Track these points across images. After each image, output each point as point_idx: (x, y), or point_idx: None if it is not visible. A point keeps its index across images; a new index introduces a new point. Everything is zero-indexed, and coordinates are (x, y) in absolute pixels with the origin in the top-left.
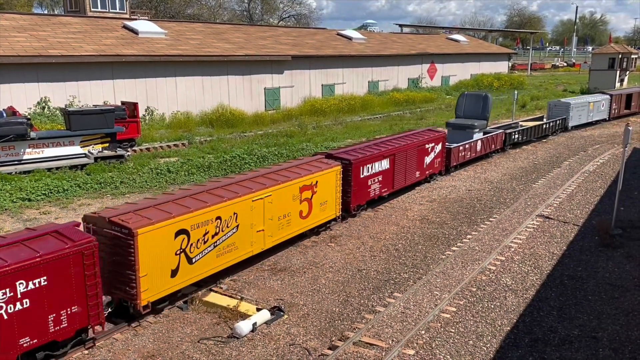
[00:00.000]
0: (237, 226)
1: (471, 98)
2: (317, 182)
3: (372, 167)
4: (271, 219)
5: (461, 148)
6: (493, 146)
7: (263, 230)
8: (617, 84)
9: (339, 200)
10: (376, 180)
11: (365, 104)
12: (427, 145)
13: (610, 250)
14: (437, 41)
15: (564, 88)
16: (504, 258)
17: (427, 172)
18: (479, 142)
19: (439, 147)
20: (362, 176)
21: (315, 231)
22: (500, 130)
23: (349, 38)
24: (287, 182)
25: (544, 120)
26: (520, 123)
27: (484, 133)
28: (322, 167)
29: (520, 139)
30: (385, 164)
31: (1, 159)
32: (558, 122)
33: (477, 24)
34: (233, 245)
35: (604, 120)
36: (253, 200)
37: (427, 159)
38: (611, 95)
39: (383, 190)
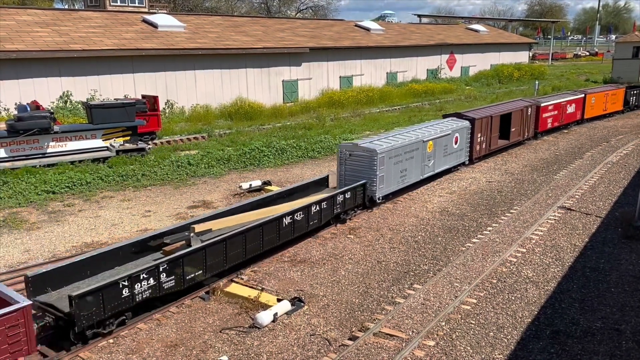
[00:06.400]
0: None
1: None
2: None
3: None
4: None
5: None
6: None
7: None
8: None
9: None
10: None
11: (384, 96)
12: None
13: (634, 242)
14: (457, 31)
15: (587, 78)
16: (524, 250)
17: None
18: None
19: None
20: None
21: None
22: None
23: (367, 29)
24: None
25: (328, 184)
26: (193, 228)
27: None
28: None
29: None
30: None
31: (26, 153)
32: (347, 196)
33: (497, 13)
34: None
35: (462, 164)
36: None
37: None
38: (473, 120)
39: None
